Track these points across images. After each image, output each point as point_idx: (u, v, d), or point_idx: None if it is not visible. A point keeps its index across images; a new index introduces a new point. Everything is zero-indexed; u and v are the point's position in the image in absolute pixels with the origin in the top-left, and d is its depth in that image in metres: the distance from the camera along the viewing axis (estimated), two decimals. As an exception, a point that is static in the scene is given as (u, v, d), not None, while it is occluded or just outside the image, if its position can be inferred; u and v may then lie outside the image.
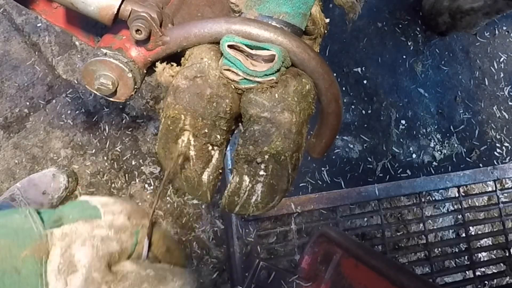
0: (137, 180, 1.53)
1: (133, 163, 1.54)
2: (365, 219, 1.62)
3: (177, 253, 0.47)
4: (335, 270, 0.96)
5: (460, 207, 1.55)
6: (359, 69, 1.73)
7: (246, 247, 1.31)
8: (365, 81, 1.73)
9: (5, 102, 1.53)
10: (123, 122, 1.57)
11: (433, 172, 1.70)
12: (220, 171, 0.50)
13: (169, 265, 0.45)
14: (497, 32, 1.93)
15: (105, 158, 1.53)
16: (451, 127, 1.79)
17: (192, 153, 0.48)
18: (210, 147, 0.49)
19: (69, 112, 1.55)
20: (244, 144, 0.47)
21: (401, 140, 1.72)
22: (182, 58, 0.49)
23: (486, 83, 1.87)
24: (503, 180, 1.71)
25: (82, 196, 0.48)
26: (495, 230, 1.72)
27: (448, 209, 1.72)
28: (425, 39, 1.83)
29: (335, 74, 0.63)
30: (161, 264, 0.45)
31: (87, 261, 0.39)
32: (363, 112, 1.70)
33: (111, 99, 0.51)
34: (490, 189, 1.72)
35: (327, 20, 0.54)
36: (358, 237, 1.57)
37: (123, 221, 0.44)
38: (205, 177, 0.49)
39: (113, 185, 1.52)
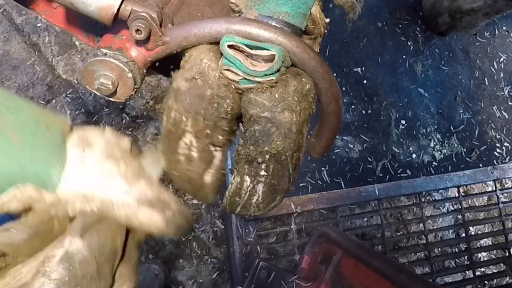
0: (137, 180, 1.53)
1: (133, 163, 1.54)
2: (365, 219, 1.62)
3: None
4: (335, 270, 0.96)
5: (460, 207, 1.55)
6: (359, 69, 1.73)
7: (246, 247, 1.31)
8: (365, 81, 1.73)
9: (5, 102, 1.53)
10: (123, 122, 1.57)
11: (433, 172, 1.70)
12: (223, 171, 0.50)
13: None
14: (497, 32, 1.93)
15: (105, 158, 1.53)
16: (451, 127, 1.79)
17: (194, 154, 0.48)
18: (212, 148, 0.49)
19: (69, 112, 1.55)
20: (245, 144, 0.47)
21: (401, 140, 1.72)
22: (182, 60, 0.49)
23: (486, 83, 1.87)
24: (503, 180, 1.71)
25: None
26: (495, 230, 1.72)
27: (448, 209, 1.72)
28: (425, 39, 1.83)
29: (335, 74, 0.63)
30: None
31: (101, 145, 0.43)
32: (363, 112, 1.70)
33: (111, 99, 0.51)
34: (490, 189, 1.72)
35: (327, 20, 0.54)
36: (358, 237, 1.57)
37: (126, 142, 0.48)
38: (207, 178, 0.49)
39: (113, 185, 1.52)
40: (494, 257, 1.67)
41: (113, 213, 0.41)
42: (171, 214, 0.44)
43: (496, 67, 1.89)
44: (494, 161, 1.79)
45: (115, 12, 0.46)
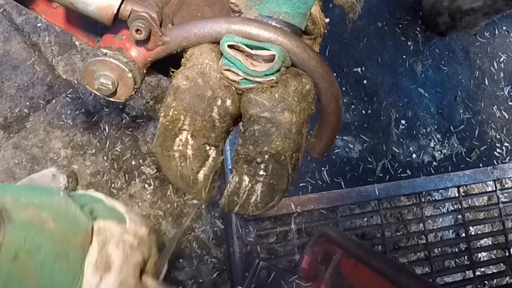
0: (137, 180, 1.53)
1: (133, 163, 1.54)
2: (365, 219, 1.62)
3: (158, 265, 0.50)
4: (335, 270, 0.96)
5: (460, 207, 1.55)
6: (359, 69, 1.73)
7: (246, 247, 1.31)
8: (365, 81, 1.73)
9: (5, 102, 1.53)
10: (123, 122, 1.57)
11: (433, 172, 1.70)
12: (217, 170, 0.50)
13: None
14: (497, 32, 1.93)
15: (105, 158, 1.53)
16: (451, 127, 1.79)
17: (189, 152, 0.48)
18: (208, 147, 0.49)
19: (69, 112, 1.55)
20: (244, 144, 0.47)
21: (401, 140, 1.72)
22: (183, 59, 0.49)
23: (486, 83, 1.87)
24: (503, 180, 1.71)
25: (89, 191, 0.50)
26: (495, 230, 1.72)
27: (448, 209, 1.72)
28: (425, 39, 1.83)
29: (335, 74, 0.63)
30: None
31: (119, 265, 0.42)
32: (363, 112, 1.70)
33: (111, 99, 0.51)
34: (490, 189, 1.72)
35: (327, 20, 0.54)
36: (358, 237, 1.57)
37: (144, 233, 0.46)
38: (200, 175, 0.49)
39: (113, 185, 1.52)
40: (494, 257, 1.67)
41: None
42: None
43: (496, 67, 1.89)
44: (494, 161, 1.79)
45: (115, 12, 0.46)
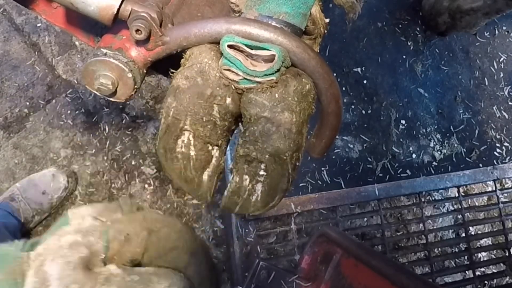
0: (137, 180, 1.53)
1: (133, 163, 1.54)
2: (365, 219, 1.62)
3: (174, 255, 0.47)
4: (335, 270, 0.96)
5: (460, 207, 1.55)
6: (359, 69, 1.73)
7: (246, 247, 1.31)
8: (365, 81, 1.73)
9: (5, 102, 1.53)
10: (123, 122, 1.57)
11: (433, 172, 1.70)
12: (221, 171, 0.50)
13: (155, 268, 0.45)
14: (497, 32, 1.93)
15: (105, 158, 1.53)
16: (451, 127, 1.79)
17: (192, 153, 0.48)
18: (210, 147, 0.48)
19: (69, 112, 1.55)
20: (244, 144, 0.47)
21: (401, 140, 1.72)
22: (182, 59, 0.49)
23: (486, 83, 1.87)
24: (503, 180, 1.71)
25: (67, 211, 0.48)
26: (495, 230, 1.72)
27: (448, 209, 1.72)
28: (425, 39, 1.83)
29: (335, 74, 0.63)
30: (145, 268, 0.45)
31: (58, 273, 0.39)
32: (363, 112, 1.70)
33: (111, 99, 0.50)
34: (490, 189, 1.72)
35: (327, 20, 0.54)
36: (358, 237, 1.57)
37: (90, 222, 0.44)
38: (205, 177, 0.49)
39: (113, 185, 1.52)
40: (494, 257, 1.67)
41: None
42: None
43: (496, 67, 1.89)
44: (494, 161, 1.79)
45: (115, 12, 0.46)
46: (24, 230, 1.37)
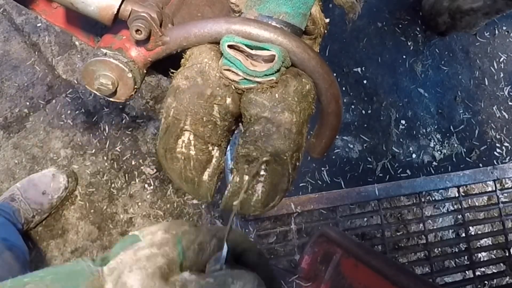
0: (137, 180, 1.53)
1: (133, 163, 1.54)
2: (365, 219, 1.62)
3: (243, 258, 0.48)
4: (335, 270, 0.96)
5: (460, 207, 1.55)
6: (359, 69, 1.73)
7: (246, 247, 1.31)
8: (365, 81, 1.73)
9: (5, 102, 1.53)
10: (123, 122, 1.57)
11: (433, 172, 1.70)
12: (221, 171, 0.50)
13: (227, 269, 0.45)
14: (497, 32, 1.93)
15: (105, 158, 1.53)
16: (451, 127, 1.79)
17: (192, 153, 0.48)
18: (210, 147, 0.48)
19: (69, 112, 1.55)
20: (244, 144, 0.47)
21: (401, 140, 1.72)
22: (182, 59, 0.49)
23: (486, 83, 1.87)
24: (503, 180, 1.71)
25: (130, 234, 0.48)
26: (495, 230, 1.72)
27: (448, 209, 1.72)
28: (425, 39, 1.83)
29: (335, 74, 0.63)
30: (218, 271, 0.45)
31: (139, 283, 0.40)
32: (363, 112, 1.70)
33: (111, 99, 0.50)
34: (490, 189, 1.72)
35: (327, 20, 0.54)
36: (358, 237, 1.57)
37: (161, 236, 0.44)
38: (205, 177, 0.49)
39: (113, 185, 1.52)
40: (494, 257, 1.67)
41: None
42: None
43: (496, 67, 1.89)
44: (494, 161, 1.79)
45: (115, 12, 0.46)
46: (24, 231, 1.37)
